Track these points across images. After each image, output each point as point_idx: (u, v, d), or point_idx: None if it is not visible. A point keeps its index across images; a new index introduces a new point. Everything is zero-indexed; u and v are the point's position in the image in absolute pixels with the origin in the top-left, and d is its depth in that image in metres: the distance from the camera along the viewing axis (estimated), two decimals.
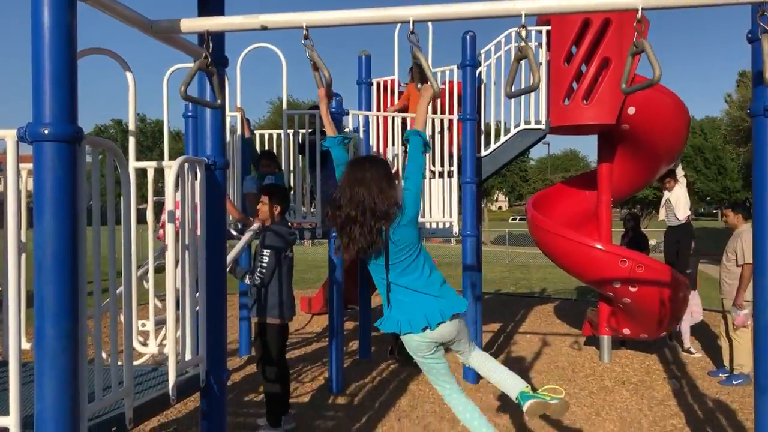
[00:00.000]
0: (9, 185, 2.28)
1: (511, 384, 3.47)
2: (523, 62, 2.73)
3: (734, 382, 6.39)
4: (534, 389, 3.41)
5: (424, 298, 3.26)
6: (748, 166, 22.10)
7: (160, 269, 3.51)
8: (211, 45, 2.77)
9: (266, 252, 4.81)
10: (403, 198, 3.32)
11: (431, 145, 3.37)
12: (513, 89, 2.71)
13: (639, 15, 2.56)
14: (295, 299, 5.26)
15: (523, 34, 2.55)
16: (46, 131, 2.11)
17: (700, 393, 6.27)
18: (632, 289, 6.44)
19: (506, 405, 5.81)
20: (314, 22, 2.70)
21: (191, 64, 6.64)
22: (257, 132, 7.39)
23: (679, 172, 8.03)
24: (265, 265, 4.78)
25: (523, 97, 6.86)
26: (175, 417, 5.42)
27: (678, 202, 7.85)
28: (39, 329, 2.16)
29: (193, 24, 2.82)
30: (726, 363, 6.73)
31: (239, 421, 5.28)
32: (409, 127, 3.47)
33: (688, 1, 2.62)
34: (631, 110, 6.34)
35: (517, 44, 2.67)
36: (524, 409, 3.33)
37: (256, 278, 4.79)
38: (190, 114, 6.33)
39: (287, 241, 5.00)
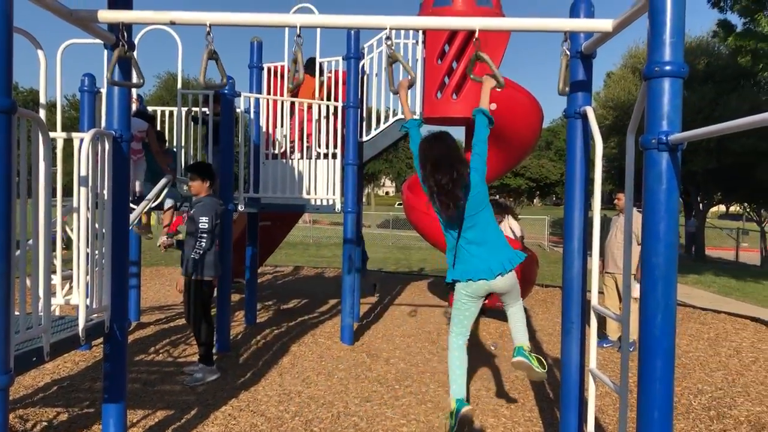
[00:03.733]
0: None
1: (518, 337, 4.03)
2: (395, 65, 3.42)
3: (604, 345, 7.47)
4: (530, 351, 3.97)
5: (491, 250, 3.82)
6: (609, 160, 24.35)
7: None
8: (125, 33, 3.25)
9: (203, 221, 5.52)
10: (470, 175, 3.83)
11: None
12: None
13: (476, 35, 3.31)
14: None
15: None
16: None
17: (544, 353, 7.31)
18: None
19: (375, 362, 6.59)
20: (217, 20, 3.23)
21: (85, 40, 6.85)
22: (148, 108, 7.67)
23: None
24: (201, 235, 5.52)
25: None
26: (68, 374, 5.75)
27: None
28: None
29: (109, 15, 3.27)
30: (609, 333, 7.64)
31: (131, 377, 5.68)
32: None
33: (514, 25, 3.40)
34: (493, 106, 7.19)
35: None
36: (513, 360, 3.96)
37: (196, 248, 5.50)
38: (86, 89, 6.56)
39: (216, 211, 5.70)
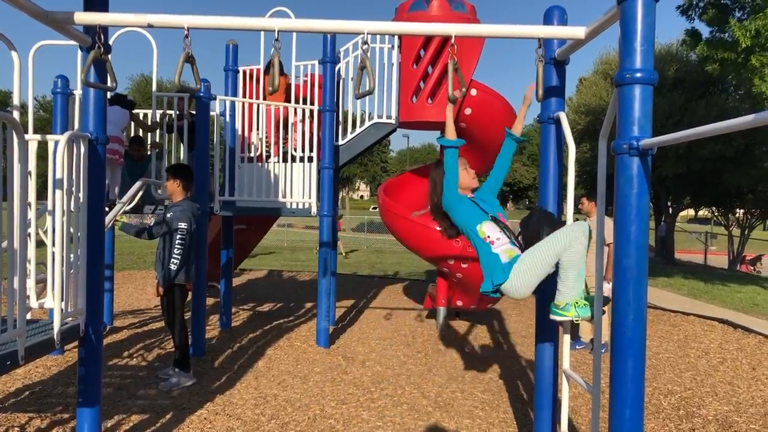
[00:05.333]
0: None
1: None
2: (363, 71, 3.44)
3: (577, 347, 7.56)
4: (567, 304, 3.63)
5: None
6: (581, 164, 24.63)
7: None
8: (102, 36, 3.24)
9: (182, 227, 5.50)
10: None
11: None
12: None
13: (452, 40, 3.36)
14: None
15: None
16: None
17: (518, 355, 7.39)
18: (464, 265, 7.45)
19: (351, 365, 6.61)
20: (195, 24, 3.23)
21: (58, 41, 6.74)
22: None
23: None
24: (181, 241, 5.50)
25: (376, 93, 7.64)
26: (40, 379, 5.67)
27: None
28: None
29: (86, 17, 3.26)
30: (581, 335, 7.70)
31: (105, 381, 5.62)
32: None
33: (489, 31, 3.45)
34: (468, 111, 7.30)
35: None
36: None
37: (176, 255, 5.46)
38: (59, 91, 6.48)
39: (193, 216, 5.68)
